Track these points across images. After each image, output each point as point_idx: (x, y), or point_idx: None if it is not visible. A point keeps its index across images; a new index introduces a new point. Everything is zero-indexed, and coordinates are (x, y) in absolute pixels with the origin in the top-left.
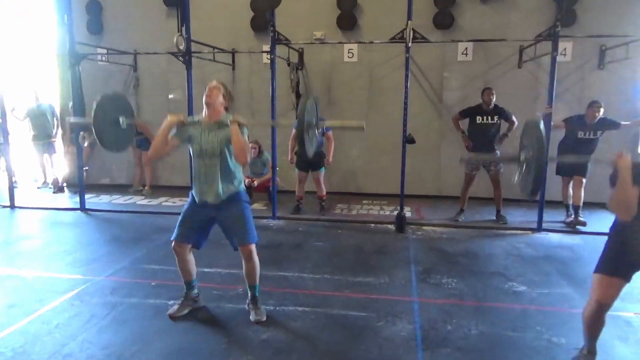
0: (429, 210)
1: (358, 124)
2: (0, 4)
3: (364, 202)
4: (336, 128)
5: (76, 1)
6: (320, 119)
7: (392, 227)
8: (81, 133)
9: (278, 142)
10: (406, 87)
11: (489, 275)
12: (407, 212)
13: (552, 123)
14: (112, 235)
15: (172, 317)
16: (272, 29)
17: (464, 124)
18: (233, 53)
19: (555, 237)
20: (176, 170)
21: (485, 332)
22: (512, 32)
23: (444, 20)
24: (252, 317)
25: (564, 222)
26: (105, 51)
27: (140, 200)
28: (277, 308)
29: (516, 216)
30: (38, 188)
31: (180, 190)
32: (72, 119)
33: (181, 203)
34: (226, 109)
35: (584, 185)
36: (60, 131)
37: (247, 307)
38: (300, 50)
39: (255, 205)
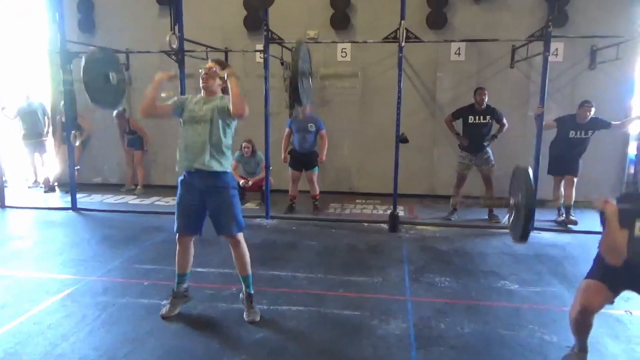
0: (422, 209)
1: (353, 72)
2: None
3: (357, 201)
4: (330, 76)
5: None
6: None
7: (385, 226)
8: (73, 132)
9: (271, 141)
10: (399, 86)
11: (481, 274)
12: (400, 212)
13: (543, 123)
14: (104, 235)
15: (165, 318)
16: (265, 28)
17: (457, 124)
18: (226, 52)
19: (547, 236)
20: (168, 169)
21: (478, 330)
22: (504, 33)
23: (437, 20)
24: (245, 317)
25: (555, 221)
26: (96, 49)
27: (132, 200)
28: (271, 307)
29: (508, 216)
30: (29, 187)
31: (173, 190)
32: (64, 118)
33: (174, 202)
34: (223, 90)
35: (575, 184)
36: (51, 130)
37: (241, 303)
38: (294, 49)
39: (249, 205)
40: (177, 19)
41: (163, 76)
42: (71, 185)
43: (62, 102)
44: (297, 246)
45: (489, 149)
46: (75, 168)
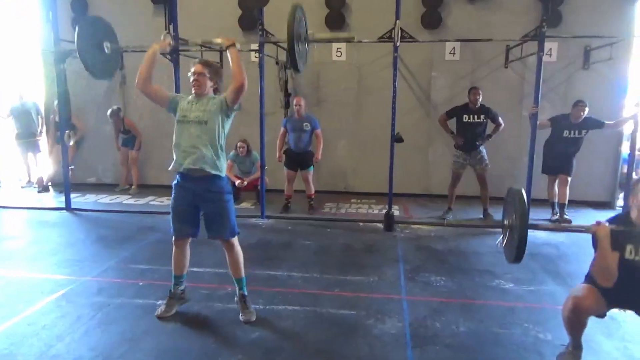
0: (417, 208)
1: (348, 35)
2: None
3: (353, 200)
4: (325, 39)
5: None
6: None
7: (380, 225)
8: (67, 131)
9: (266, 141)
10: (394, 86)
11: (476, 273)
12: (396, 211)
13: (538, 122)
14: (99, 235)
15: (160, 318)
16: (260, 27)
17: (451, 123)
18: (221, 51)
19: (541, 235)
20: (163, 169)
21: (473, 329)
22: (498, 32)
23: (432, 20)
24: (241, 317)
25: (549, 220)
26: None
27: (127, 200)
28: (267, 307)
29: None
30: (22, 187)
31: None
32: (57, 118)
33: (169, 202)
34: (216, 90)
35: (569, 183)
36: (44, 130)
37: (236, 303)
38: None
39: (244, 204)
40: (171, 18)
41: (156, 48)
42: (65, 185)
43: (56, 102)
44: (293, 246)
45: (482, 149)
46: (69, 168)
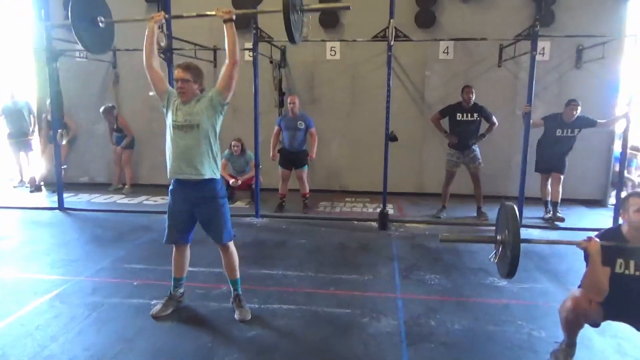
0: (411, 207)
1: (343, 4)
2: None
3: (347, 199)
4: (320, 9)
5: None
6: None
7: (375, 224)
8: (59, 131)
9: (261, 140)
10: (388, 85)
11: (470, 271)
12: (390, 210)
13: (531, 121)
14: (92, 234)
15: (155, 317)
16: (254, 26)
17: (444, 122)
18: (215, 50)
19: (534, 233)
20: (156, 168)
21: (468, 326)
22: (492, 32)
23: (426, 19)
24: (236, 316)
25: (542, 218)
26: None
27: (121, 199)
28: (262, 306)
29: (496, 212)
30: (14, 187)
31: (161, 189)
32: (50, 117)
33: (162, 202)
34: (202, 91)
35: (561, 181)
36: (37, 129)
37: (231, 304)
38: (283, 48)
39: (238, 204)
40: None
41: (157, 18)
42: (58, 184)
43: (49, 101)
44: (288, 245)
45: (476, 148)
46: (62, 167)
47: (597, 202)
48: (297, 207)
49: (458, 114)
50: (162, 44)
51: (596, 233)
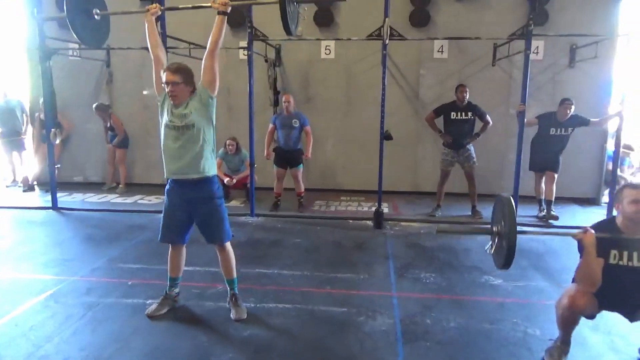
0: (406, 206)
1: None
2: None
3: (342, 198)
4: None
5: None
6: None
7: (370, 223)
8: (53, 130)
9: (256, 139)
10: (383, 84)
11: (466, 270)
12: (385, 208)
13: (525, 120)
14: (86, 234)
15: (151, 317)
16: (249, 25)
17: (439, 121)
18: None
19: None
20: (151, 167)
21: (463, 325)
22: (486, 31)
23: (421, 18)
24: (232, 315)
25: (537, 216)
26: (77, 46)
27: (115, 199)
28: (258, 305)
29: (491, 211)
30: (7, 187)
31: (156, 188)
32: (43, 116)
33: (157, 201)
34: (193, 91)
35: (555, 180)
36: (29, 128)
37: (227, 304)
38: (278, 46)
39: (233, 203)
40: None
41: (149, 17)
42: (51, 184)
43: (42, 100)
44: (283, 244)
45: (470, 147)
46: (56, 167)
47: (591, 201)
48: (293, 206)
49: (452, 113)
50: None
51: (591, 224)
